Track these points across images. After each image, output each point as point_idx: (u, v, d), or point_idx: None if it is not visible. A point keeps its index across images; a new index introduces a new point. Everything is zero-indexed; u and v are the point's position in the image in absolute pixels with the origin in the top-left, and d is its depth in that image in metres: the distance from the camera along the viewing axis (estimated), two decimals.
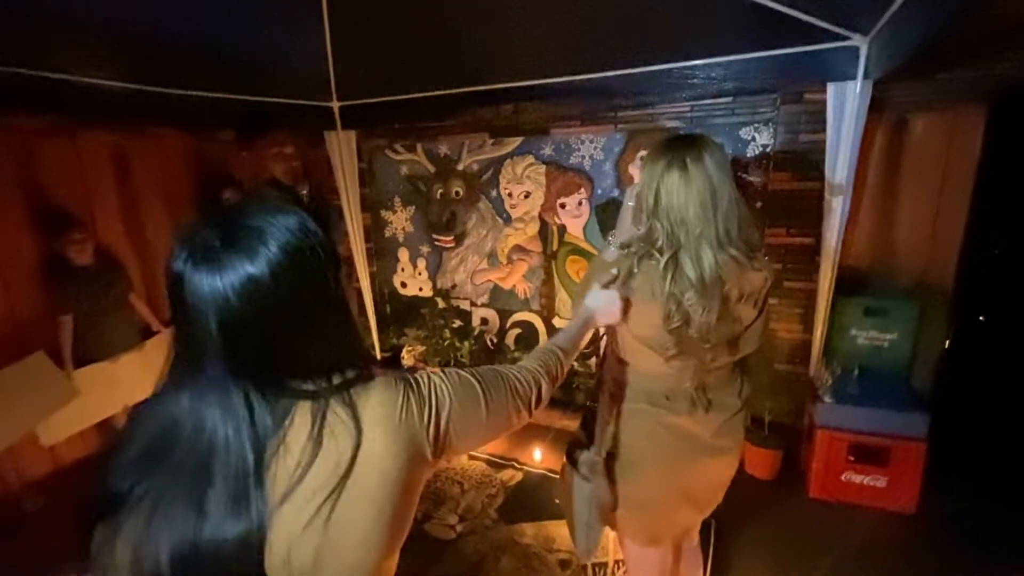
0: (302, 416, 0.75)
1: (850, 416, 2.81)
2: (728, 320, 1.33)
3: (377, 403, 0.78)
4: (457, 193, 4.12)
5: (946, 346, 3.07)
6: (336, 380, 0.78)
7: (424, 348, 4.38)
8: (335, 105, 3.28)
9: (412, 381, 0.84)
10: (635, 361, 1.46)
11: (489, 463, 3.32)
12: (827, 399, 2.88)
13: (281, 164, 2.12)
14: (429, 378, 0.87)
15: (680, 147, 1.32)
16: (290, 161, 2.14)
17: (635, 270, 1.34)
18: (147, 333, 3.50)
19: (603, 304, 1.34)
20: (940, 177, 2.96)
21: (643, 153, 3.29)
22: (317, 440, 0.73)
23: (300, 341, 0.74)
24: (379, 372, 0.83)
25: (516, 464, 3.30)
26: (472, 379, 0.91)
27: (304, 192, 2.07)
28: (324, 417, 0.74)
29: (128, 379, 3.18)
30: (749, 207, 1.46)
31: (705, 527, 2.63)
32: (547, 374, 1.06)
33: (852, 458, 2.84)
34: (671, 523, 1.58)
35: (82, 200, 3.37)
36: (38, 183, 3.16)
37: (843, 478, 2.87)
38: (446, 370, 0.91)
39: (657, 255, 1.31)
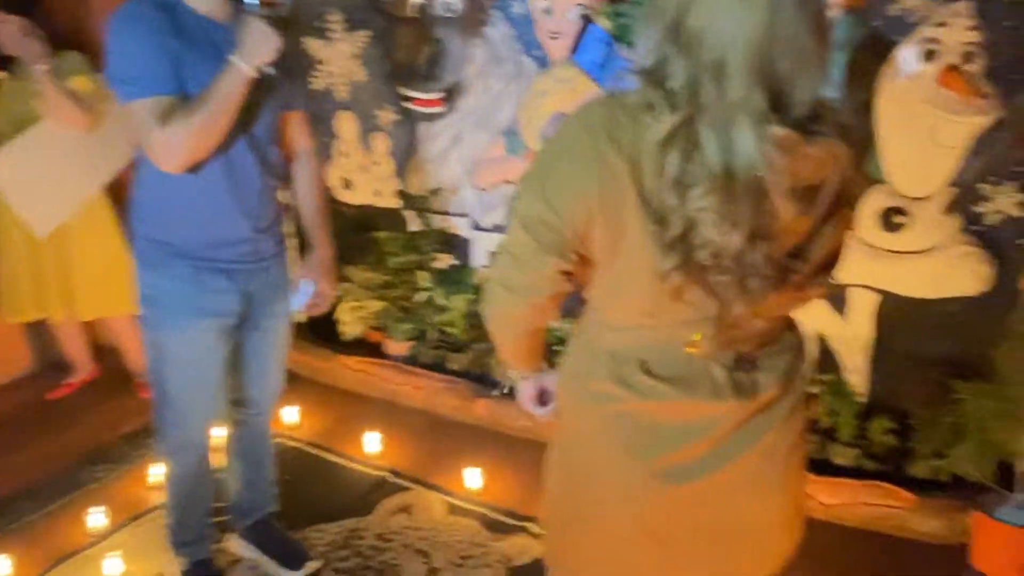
0: None
1: None
2: (771, 237, 1.00)
3: None
4: (450, 5, 3.00)
5: None
6: None
7: (382, 306, 3.20)
8: None
9: None
10: (595, 297, 1.10)
11: (486, 522, 2.58)
12: None
13: None
14: None
15: None
16: None
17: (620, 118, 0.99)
18: None
19: None
20: None
21: None
22: None
23: None
24: None
25: (530, 529, 2.52)
26: None
27: None
28: None
29: None
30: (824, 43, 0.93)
31: None
32: None
33: None
34: None
35: None
36: None
37: None
38: None
39: (661, 110, 0.94)
